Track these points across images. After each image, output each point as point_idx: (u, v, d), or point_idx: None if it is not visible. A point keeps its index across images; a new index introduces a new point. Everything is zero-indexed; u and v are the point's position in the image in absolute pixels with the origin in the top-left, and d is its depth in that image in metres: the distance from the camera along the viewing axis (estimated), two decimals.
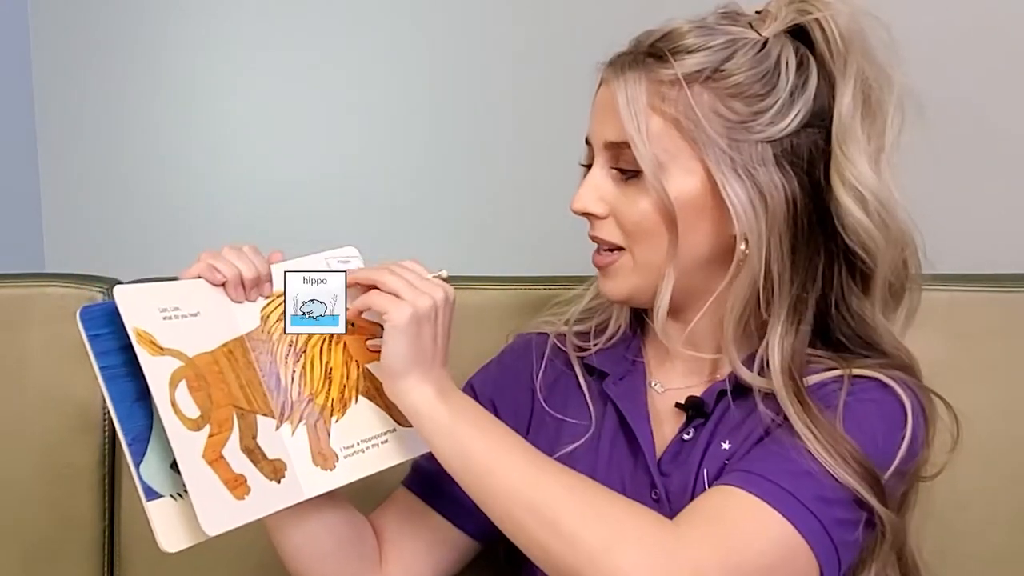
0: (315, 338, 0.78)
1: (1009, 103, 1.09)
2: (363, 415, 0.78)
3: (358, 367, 0.79)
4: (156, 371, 0.69)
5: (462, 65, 1.28)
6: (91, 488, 0.99)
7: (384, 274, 0.72)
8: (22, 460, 0.98)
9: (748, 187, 0.71)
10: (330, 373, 0.78)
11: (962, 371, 0.89)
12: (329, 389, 0.77)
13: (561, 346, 0.86)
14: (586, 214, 0.77)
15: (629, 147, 0.72)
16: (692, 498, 0.72)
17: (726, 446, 0.74)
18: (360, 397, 0.78)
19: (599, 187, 0.76)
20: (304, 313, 0.76)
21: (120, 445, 0.71)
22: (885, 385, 0.74)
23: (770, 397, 0.73)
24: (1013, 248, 1.08)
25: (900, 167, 0.74)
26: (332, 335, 0.78)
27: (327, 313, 0.76)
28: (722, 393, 0.76)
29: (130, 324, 0.69)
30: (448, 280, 0.75)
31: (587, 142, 0.79)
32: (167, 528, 0.69)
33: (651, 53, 0.73)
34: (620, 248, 0.76)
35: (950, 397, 0.80)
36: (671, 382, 0.82)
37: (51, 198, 1.43)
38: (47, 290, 0.99)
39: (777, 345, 0.73)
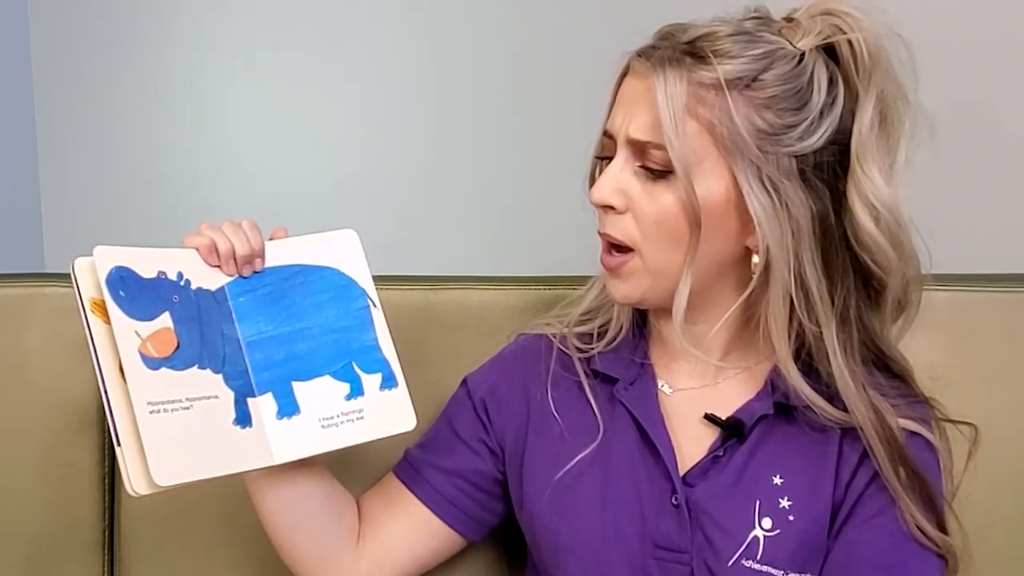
0: None
1: (1010, 103, 1.10)
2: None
3: None
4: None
5: (465, 64, 1.28)
6: (91, 488, 0.99)
7: None
8: (22, 460, 0.98)
9: (773, 198, 0.71)
10: None
11: (962, 371, 0.89)
12: None
13: (563, 349, 0.85)
14: (605, 207, 0.75)
15: (659, 148, 0.71)
16: (724, 515, 0.75)
17: (777, 480, 0.76)
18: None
19: (620, 180, 0.74)
20: None
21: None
22: (929, 443, 0.77)
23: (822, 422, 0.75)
24: (1013, 248, 1.08)
25: (900, 170, 0.75)
26: None
27: None
28: (763, 417, 0.77)
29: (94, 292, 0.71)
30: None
31: (606, 134, 0.77)
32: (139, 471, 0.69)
33: (690, 52, 0.71)
34: (629, 249, 0.75)
35: (950, 397, 0.81)
36: (678, 383, 0.82)
37: (51, 198, 1.43)
38: (47, 290, 0.99)
39: (842, 359, 0.74)
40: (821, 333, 0.74)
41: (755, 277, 0.74)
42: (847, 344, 0.75)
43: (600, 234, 0.77)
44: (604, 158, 0.78)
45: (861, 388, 0.74)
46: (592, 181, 0.80)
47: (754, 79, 0.71)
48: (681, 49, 0.72)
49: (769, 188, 0.71)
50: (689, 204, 0.71)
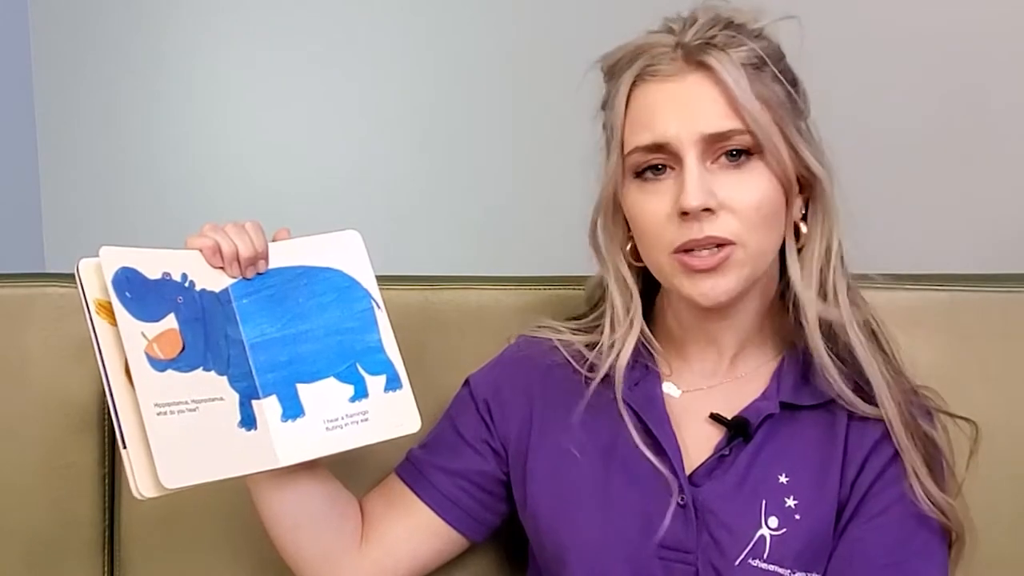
0: None
1: (1009, 103, 1.10)
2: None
3: None
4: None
5: (466, 65, 1.28)
6: (91, 488, 0.99)
7: None
8: (22, 460, 0.98)
9: (818, 160, 0.75)
10: None
11: (962, 371, 0.89)
12: None
13: (566, 350, 0.85)
14: (705, 210, 0.72)
15: (741, 132, 0.72)
16: (730, 515, 0.75)
17: (783, 479, 0.76)
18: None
19: (707, 180, 0.72)
20: None
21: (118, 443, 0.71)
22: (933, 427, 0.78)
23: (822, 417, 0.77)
24: (1013, 248, 1.08)
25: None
26: None
27: None
28: (768, 416, 0.78)
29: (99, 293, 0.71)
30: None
31: (653, 148, 0.74)
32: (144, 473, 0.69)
33: (717, 38, 0.73)
34: (729, 243, 0.73)
35: (949, 397, 0.81)
36: (684, 383, 0.82)
37: (51, 198, 1.43)
38: (47, 290, 0.98)
39: (858, 336, 0.76)
40: (841, 313, 0.76)
41: (804, 245, 0.77)
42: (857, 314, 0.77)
43: (693, 242, 0.73)
44: (649, 171, 0.75)
45: (886, 370, 0.76)
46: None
47: (776, 58, 0.75)
48: (707, 38, 0.73)
49: (812, 151, 0.75)
50: (779, 179, 0.73)
